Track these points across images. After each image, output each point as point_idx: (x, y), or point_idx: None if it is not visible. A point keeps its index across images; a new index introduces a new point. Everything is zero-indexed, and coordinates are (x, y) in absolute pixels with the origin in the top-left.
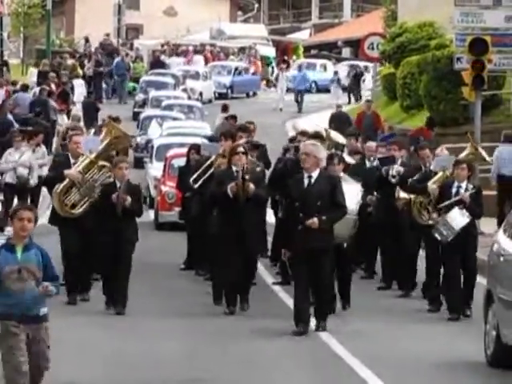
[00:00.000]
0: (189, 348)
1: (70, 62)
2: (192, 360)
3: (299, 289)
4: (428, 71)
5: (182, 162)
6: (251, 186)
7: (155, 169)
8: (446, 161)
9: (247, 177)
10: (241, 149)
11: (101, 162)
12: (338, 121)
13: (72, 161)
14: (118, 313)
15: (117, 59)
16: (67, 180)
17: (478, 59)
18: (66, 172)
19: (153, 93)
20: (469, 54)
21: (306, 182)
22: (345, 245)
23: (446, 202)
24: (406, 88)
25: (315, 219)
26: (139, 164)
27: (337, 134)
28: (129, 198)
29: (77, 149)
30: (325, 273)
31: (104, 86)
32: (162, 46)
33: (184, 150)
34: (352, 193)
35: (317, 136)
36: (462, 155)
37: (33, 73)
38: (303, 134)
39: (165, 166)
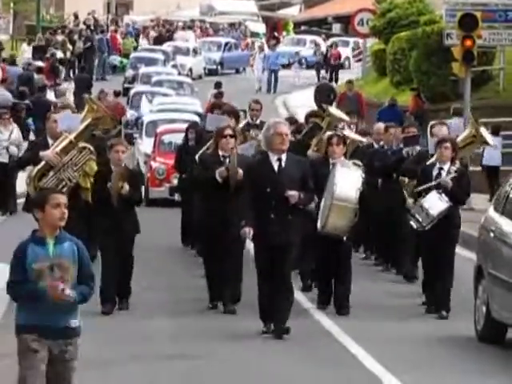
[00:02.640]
0: (179, 325)
1: (60, 38)
2: (181, 337)
3: (264, 285)
4: (418, 47)
5: (172, 137)
6: (240, 171)
7: (145, 145)
8: None
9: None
10: (228, 131)
11: (81, 144)
12: (323, 91)
13: (50, 142)
14: (121, 308)
15: (100, 36)
16: (43, 163)
17: (468, 35)
18: (42, 153)
19: (143, 69)
20: (459, 30)
21: (275, 165)
22: (344, 238)
23: (424, 186)
24: (395, 64)
25: (295, 192)
26: (129, 140)
27: (337, 110)
28: (126, 186)
29: (55, 128)
30: (288, 271)
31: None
32: (152, 21)
33: (174, 126)
34: (352, 179)
35: (315, 114)
36: (461, 137)
37: (25, 50)
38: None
39: (155, 141)
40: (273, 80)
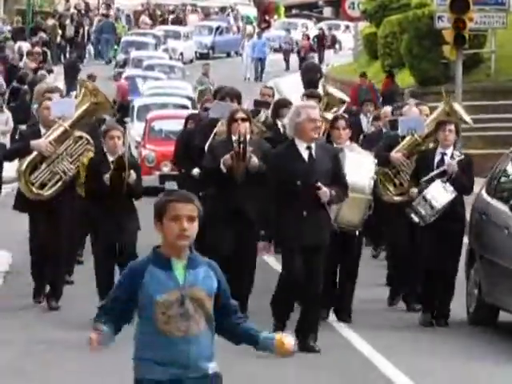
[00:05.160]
0: None
1: (50, 22)
2: None
3: (294, 296)
4: (409, 30)
5: (162, 124)
6: (254, 158)
7: (136, 130)
8: (414, 122)
9: (250, 148)
10: (240, 114)
11: (78, 133)
12: (309, 70)
13: (43, 131)
14: None
15: (105, 20)
16: (34, 153)
17: (459, 18)
18: (33, 143)
19: (134, 53)
20: (450, 13)
21: (305, 154)
22: (357, 232)
23: (429, 176)
24: (387, 47)
25: (326, 189)
26: (120, 125)
27: (336, 90)
28: (133, 174)
29: (48, 116)
30: (319, 275)
31: (89, 47)
32: (142, 5)
33: (164, 112)
34: (365, 166)
35: (312, 95)
36: (432, 116)
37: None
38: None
39: (145, 128)
40: (259, 68)
